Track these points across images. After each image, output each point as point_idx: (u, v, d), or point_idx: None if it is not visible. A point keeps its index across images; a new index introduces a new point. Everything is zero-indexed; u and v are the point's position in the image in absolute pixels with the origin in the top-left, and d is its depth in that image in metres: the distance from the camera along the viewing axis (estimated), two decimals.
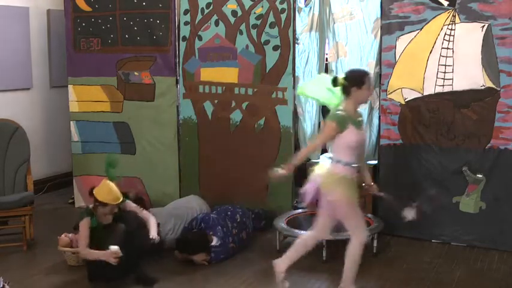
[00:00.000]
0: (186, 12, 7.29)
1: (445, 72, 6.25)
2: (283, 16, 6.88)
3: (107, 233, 5.43)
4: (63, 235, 5.97)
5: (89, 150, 7.81)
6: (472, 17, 6.11)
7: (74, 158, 7.94)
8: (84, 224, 5.45)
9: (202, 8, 7.21)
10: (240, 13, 7.06)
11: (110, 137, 7.70)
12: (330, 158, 4.93)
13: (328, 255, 5.81)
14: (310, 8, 7.08)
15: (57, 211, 7.37)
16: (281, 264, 5.14)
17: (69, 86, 7.83)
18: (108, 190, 5.46)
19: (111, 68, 7.63)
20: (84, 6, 7.67)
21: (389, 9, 6.46)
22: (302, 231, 5.99)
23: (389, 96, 6.54)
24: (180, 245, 5.96)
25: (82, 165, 7.82)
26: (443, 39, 6.24)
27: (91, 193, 5.50)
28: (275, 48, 6.96)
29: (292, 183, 6.93)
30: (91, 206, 5.55)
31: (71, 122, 7.85)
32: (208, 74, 7.27)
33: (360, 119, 4.99)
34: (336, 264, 5.37)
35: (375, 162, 6.91)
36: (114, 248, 5.23)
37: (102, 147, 7.71)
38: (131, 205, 5.86)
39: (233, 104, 7.20)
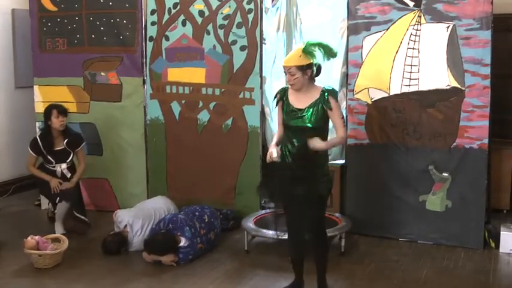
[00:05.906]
0: (153, 12, 7.26)
1: (411, 72, 6.30)
2: (251, 16, 6.88)
3: None
4: (29, 237, 5.89)
5: None
6: (437, 17, 6.17)
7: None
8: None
9: (169, 8, 7.18)
10: (207, 13, 7.05)
11: None
12: None
13: None
14: (278, 8, 7.10)
15: (22, 213, 7.28)
16: None
17: (34, 86, 7.74)
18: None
19: (78, 68, 7.56)
20: (50, 6, 7.59)
21: (355, 10, 6.49)
22: (270, 231, 6.02)
23: (356, 96, 6.57)
24: (148, 246, 5.93)
25: None
26: (409, 40, 6.29)
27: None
28: (242, 48, 6.95)
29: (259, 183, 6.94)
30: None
31: (37, 123, 7.75)
32: (176, 74, 7.24)
33: None
34: (305, 263, 5.38)
35: (342, 162, 6.94)
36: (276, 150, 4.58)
37: None
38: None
39: (200, 104, 7.19)
